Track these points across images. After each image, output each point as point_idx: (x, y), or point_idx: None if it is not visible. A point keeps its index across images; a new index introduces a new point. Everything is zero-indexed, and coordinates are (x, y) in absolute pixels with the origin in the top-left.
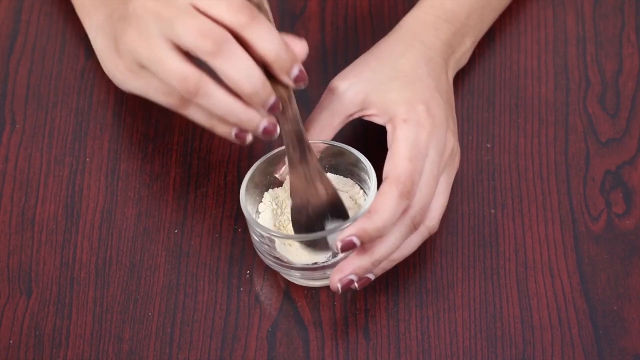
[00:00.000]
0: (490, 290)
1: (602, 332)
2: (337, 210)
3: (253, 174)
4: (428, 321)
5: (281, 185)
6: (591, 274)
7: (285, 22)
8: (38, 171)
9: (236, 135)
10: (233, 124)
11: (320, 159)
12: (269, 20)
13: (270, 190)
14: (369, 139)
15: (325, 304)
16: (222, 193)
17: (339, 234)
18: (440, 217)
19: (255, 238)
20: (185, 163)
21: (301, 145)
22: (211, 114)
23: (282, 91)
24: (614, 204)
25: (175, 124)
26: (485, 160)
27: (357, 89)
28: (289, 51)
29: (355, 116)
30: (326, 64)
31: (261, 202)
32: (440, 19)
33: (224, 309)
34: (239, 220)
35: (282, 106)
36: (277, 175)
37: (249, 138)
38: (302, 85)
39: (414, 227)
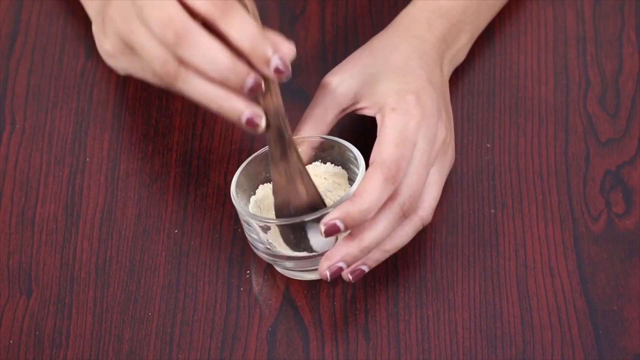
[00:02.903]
0: (490, 290)
1: (602, 332)
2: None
3: (246, 166)
4: (428, 321)
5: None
6: (591, 274)
7: (285, 22)
8: (38, 171)
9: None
10: (217, 111)
11: (315, 153)
12: (248, 12)
13: (261, 185)
14: (366, 135)
15: (325, 304)
16: (222, 193)
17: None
18: (434, 207)
19: (245, 227)
20: (185, 163)
21: (282, 142)
22: None
23: (265, 83)
24: (614, 204)
25: (175, 124)
26: (485, 160)
27: (349, 84)
28: (266, 42)
29: (349, 110)
30: (326, 64)
31: (254, 195)
32: (434, 14)
33: (224, 309)
34: (239, 220)
35: (265, 100)
36: None
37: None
38: (283, 78)
39: (404, 215)
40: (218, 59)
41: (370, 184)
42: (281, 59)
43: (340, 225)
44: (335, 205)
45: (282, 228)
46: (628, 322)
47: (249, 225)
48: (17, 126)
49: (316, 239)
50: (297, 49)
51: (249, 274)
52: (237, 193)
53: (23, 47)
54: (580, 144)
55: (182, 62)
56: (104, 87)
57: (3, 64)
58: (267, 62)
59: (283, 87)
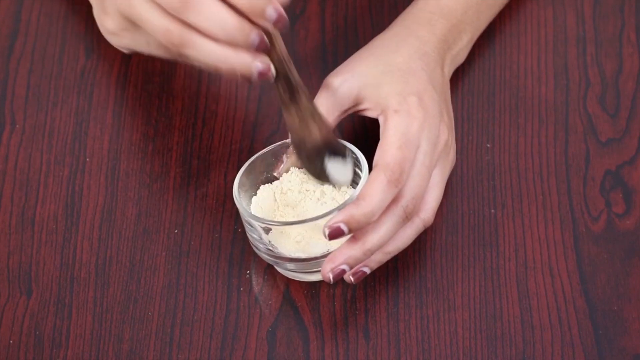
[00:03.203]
0: (490, 290)
1: (602, 332)
2: (333, 149)
3: (248, 167)
4: (428, 321)
5: (277, 180)
6: (591, 274)
7: None
8: (38, 171)
9: (241, 77)
10: (227, 71)
11: None
12: None
13: (262, 186)
14: (368, 136)
15: (325, 304)
16: (222, 193)
17: (326, 221)
18: (436, 209)
19: (247, 228)
20: (185, 163)
21: (290, 86)
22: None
23: (266, 36)
24: (614, 204)
25: (175, 124)
26: (485, 160)
27: (350, 85)
28: None
29: (350, 111)
30: (326, 64)
31: (255, 195)
32: (435, 15)
33: (224, 309)
34: (239, 220)
35: (270, 48)
36: (275, 174)
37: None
38: (281, 27)
39: (407, 217)
40: (224, 20)
41: (374, 187)
42: (276, 9)
43: (344, 229)
44: (339, 208)
45: (304, 164)
46: (628, 322)
47: (251, 226)
48: (17, 126)
49: (337, 172)
50: (297, 49)
51: (249, 274)
52: (239, 194)
53: (23, 47)
54: (580, 144)
55: (186, 27)
56: (104, 87)
57: (3, 64)
58: (264, 14)
59: None
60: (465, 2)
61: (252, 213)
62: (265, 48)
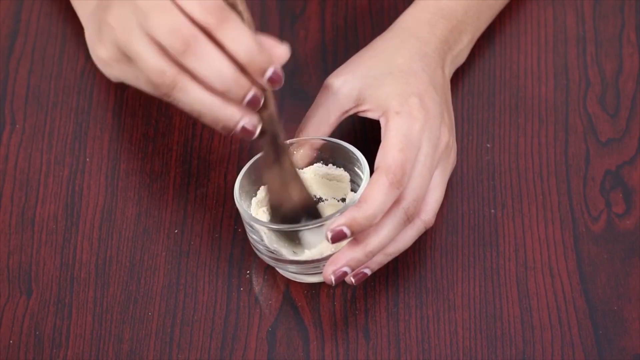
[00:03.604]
0: (490, 290)
1: (602, 332)
2: (310, 214)
3: (249, 169)
4: (428, 321)
5: None
6: (591, 274)
7: (285, 22)
8: (38, 171)
9: (222, 128)
10: (210, 121)
11: (317, 154)
12: (243, 20)
13: (262, 187)
14: (368, 137)
15: (325, 304)
16: (222, 193)
17: (329, 224)
18: (436, 211)
19: (248, 229)
20: (185, 163)
21: (275, 147)
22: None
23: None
24: (614, 204)
25: (175, 124)
26: (485, 160)
27: (351, 86)
28: (263, 52)
29: (351, 112)
30: (326, 64)
31: (255, 196)
32: (436, 15)
33: (224, 309)
34: (239, 220)
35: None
36: None
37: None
38: (276, 87)
39: (408, 219)
40: (223, 71)
41: (375, 189)
42: (275, 70)
43: (347, 231)
44: (341, 211)
45: (276, 232)
46: (628, 322)
47: (252, 227)
48: (17, 126)
49: (309, 239)
50: (297, 49)
51: (249, 274)
52: (240, 195)
53: (23, 47)
54: (580, 144)
55: (180, 71)
56: (104, 87)
57: (3, 64)
58: (263, 73)
59: (284, 86)
60: (466, 3)
61: (254, 216)
62: (258, 107)
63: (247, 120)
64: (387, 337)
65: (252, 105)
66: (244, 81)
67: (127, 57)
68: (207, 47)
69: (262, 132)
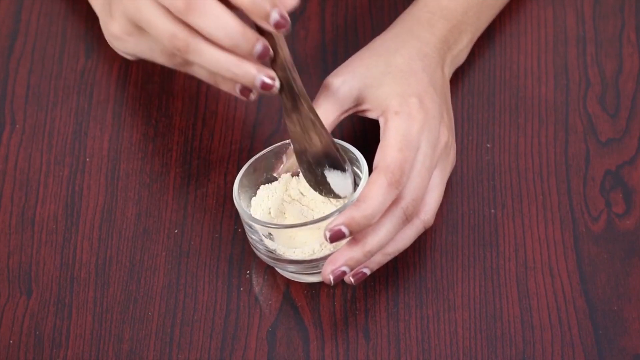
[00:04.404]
0: (490, 290)
1: (602, 332)
2: (333, 160)
3: (248, 169)
4: (428, 321)
5: (275, 180)
6: (591, 274)
7: None
8: (38, 171)
9: (240, 91)
10: (231, 80)
11: None
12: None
13: (262, 186)
14: (368, 137)
15: (325, 304)
16: (222, 193)
17: (327, 224)
18: (436, 211)
19: (247, 229)
20: (185, 163)
21: (292, 93)
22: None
23: (269, 39)
24: (614, 204)
25: (175, 124)
26: (485, 160)
27: (351, 85)
28: None
29: (350, 112)
30: (326, 64)
31: (254, 196)
32: (436, 15)
33: (224, 309)
34: (239, 220)
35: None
36: (275, 174)
37: (252, 96)
38: (284, 32)
39: (407, 218)
40: (228, 25)
41: (374, 188)
42: (280, 13)
43: (345, 231)
44: (340, 210)
45: (305, 174)
46: (628, 322)
47: (251, 228)
48: (17, 126)
49: (337, 184)
50: (297, 49)
51: (249, 274)
52: (239, 195)
53: (23, 47)
54: (580, 144)
55: (191, 33)
56: (104, 87)
57: (3, 64)
58: (267, 17)
59: None
60: (466, 3)
61: (253, 215)
62: (268, 57)
63: (263, 75)
64: (387, 337)
65: (262, 56)
66: (250, 33)
67: (139, 29)
68: (209, 3)
69: (282, 88)
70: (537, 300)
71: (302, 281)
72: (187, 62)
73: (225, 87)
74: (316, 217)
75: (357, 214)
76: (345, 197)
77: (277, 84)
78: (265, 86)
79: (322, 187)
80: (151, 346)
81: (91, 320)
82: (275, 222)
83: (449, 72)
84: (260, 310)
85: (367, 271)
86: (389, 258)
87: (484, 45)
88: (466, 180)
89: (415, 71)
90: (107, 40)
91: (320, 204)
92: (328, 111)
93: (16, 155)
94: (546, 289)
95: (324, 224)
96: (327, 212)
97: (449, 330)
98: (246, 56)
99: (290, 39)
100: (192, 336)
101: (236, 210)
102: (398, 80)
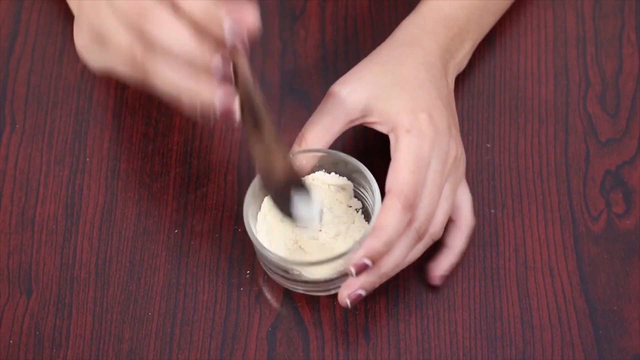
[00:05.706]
0: (490, 290)
1: (602, 332)
2: (296, 182)
3: (250, 191)
4: (428, 321)
5: None
6: (591, 274)
7: (285, 22)
8: (38, 171)
9: (201, 112)
10: (188, 102)
11: (319, 162)
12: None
13: (266, 198)
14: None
15: (325, 304)
16: (222, 193)
17: (349, 259)
18: (444, 223)
19: (259, 254)
20: (185, 163)
21: (252, 114)
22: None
23: (230, 56)
24: (614, 204)
25: (175, 124)
26: (485, 160)
27: (359, 96)
28: (217, 5)
29: (357, 122)
30: (326, 65)
31: (260, 210)
32: (439, 23)
33: (224, 309)
34: (239, 220)
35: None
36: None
37: (211, 121)
38: (239, 44)
39: (419, 237)
40: (183, 35)
41: (390, 215)
42: (234, 20)
43: (369, 263)
44: (359, 242)
45: (270, 194)
46: (628, 322)
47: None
48: (17, 126)
49: (302, 206)
50: (297, 49)
51: (249, 274)
52: (250, 221)
53: (23, 47)
54: (580, 144)
55: (149, 48)
56: (104, 87)
57: (3, 64)
58: (221, 26)
59: (284, 86)
60: (468, 10)
61: (273, 252)
62: (228, 74)
63: (221, 93)
64: (387, 337)
65: (221, 71)
66: (207, 46)
67: (100, 40)
68: (163, 12)
69: (243, 109)
70: (537, 300)
71: (310, 295)
72: (148, 77)
73: (185, 109)
74: (329, 240)
75: (376, 244)
76: (311, 223)
77: (237, 110)
78: (223, 113)
79: (287, 208)
80: (151, 346)
81: (91, 320)
82: (296, 259)
83: (451, 80)
84: (260, 310)
85: (363, 292)
86: (397, 271)
87: (484, 46)
88: (466, 180)
89: (422, 83)
90: (78, 53)
91: (329, 225)
92: (334, 120)
93: (16, 155)
94: (546, 289)
95: (344, 258)
96: (340, 241)
97: (449, 330)
98: (202, 71)
99: (290, 39)
100: (192, 336)
101: (236, 210)
102: (407, 94)
